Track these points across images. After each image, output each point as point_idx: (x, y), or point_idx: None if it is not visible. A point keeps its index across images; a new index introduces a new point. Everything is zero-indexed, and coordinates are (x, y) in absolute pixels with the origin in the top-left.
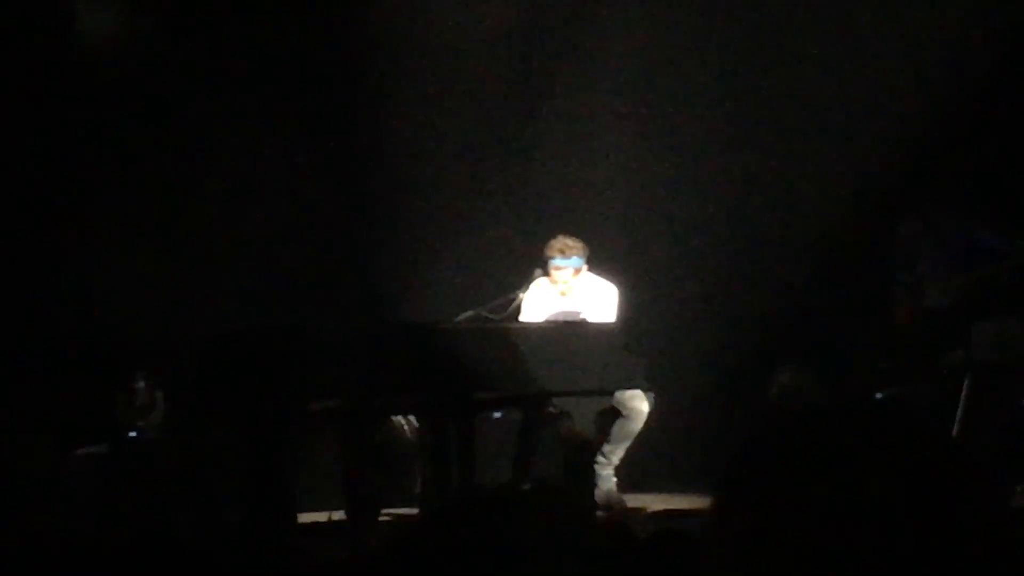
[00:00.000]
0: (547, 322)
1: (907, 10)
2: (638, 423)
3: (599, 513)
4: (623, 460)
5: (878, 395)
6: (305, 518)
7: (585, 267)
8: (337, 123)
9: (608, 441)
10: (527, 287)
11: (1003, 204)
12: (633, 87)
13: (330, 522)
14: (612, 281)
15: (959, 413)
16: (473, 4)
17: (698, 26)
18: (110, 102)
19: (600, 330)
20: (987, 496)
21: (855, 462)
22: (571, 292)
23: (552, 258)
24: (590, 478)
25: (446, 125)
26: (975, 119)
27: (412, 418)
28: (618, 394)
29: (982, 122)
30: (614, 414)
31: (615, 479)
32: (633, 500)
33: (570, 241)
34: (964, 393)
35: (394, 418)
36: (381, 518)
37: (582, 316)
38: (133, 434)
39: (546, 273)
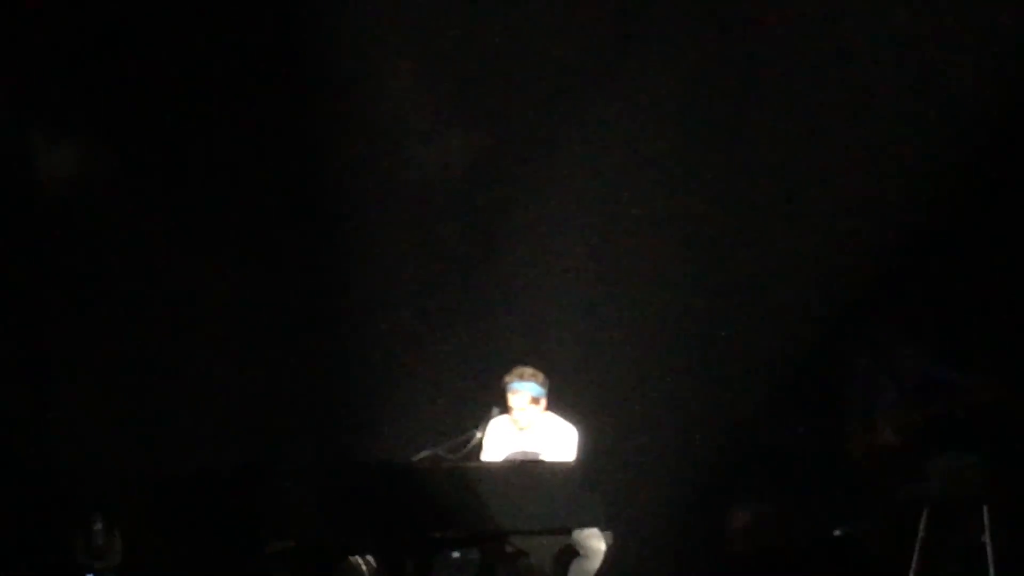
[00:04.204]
0: (505, 462)
1: (858, 145)
2: (595, 562)
3: None
4: None
5: (836, 532)
6: None
7: (544, 402)
8: (293, 260)
9: None
10: (484, 426)
11: (958, 340)
12: (590, 230)
13: None
14: (571, 421)
15: (917, 548)
16: (435, 140)
17: (658, 159)
18: (68, 241)
19: (558, 470)
20: None
21: None
22: (530, 428)
23: (509, 383)
24: None
25: (404, 265)
26: (932, 256)
27: (370, 557)
28: (576, 533)
29: (939, 259)
30: (572, 553)
31: None
32: None
33: (529, 370)
34: (922, 528)
35: (351, 558)
36: None
37: (541, 456)
38: (91, 575)
39: (503, 411)
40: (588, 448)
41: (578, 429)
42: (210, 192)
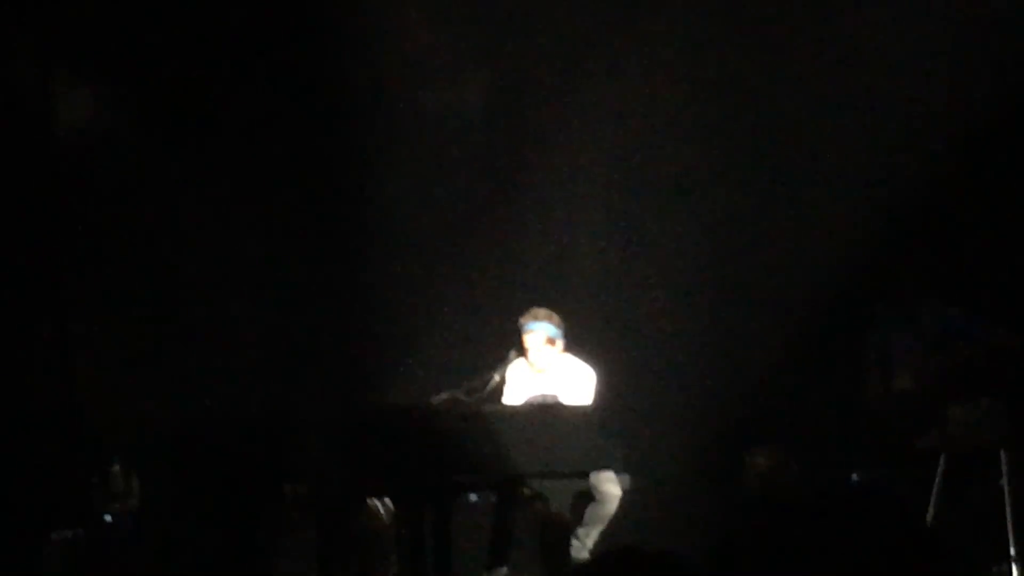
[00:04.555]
0: (523, 405)
1: (875, 102)
2: (611, 506)
3: None
4: (598, 543)
5: (853, 477)
6: None
7: (562, 343)
8: (312, 207)
9: (582, 524)
10: (501, 369)
11: (976, 287)
12: (613, 172)
13: None
14: (589, 363)
15: (934, 494)
16: (451, 86)
17: (677, 104)
18: (91, 191)
19: (575, 413)
20: None
21: (835, 552)
22: (548, 370)
23: (525, 324)
24: (566, 560)
25: (423, 207)
26: (948, 203)
27: (388, 501)
28: (592, 477)
29: (955, 207)
30: (588, 497)
31: None
32: None
33: (544, 310)
34: (939, 474)
35: (370, 501)
36: None
37: (559, 398)
38: (109, 518)
39: (521, 354)
40: (606, 391)
41: (596, 371)
42: (230, 136)
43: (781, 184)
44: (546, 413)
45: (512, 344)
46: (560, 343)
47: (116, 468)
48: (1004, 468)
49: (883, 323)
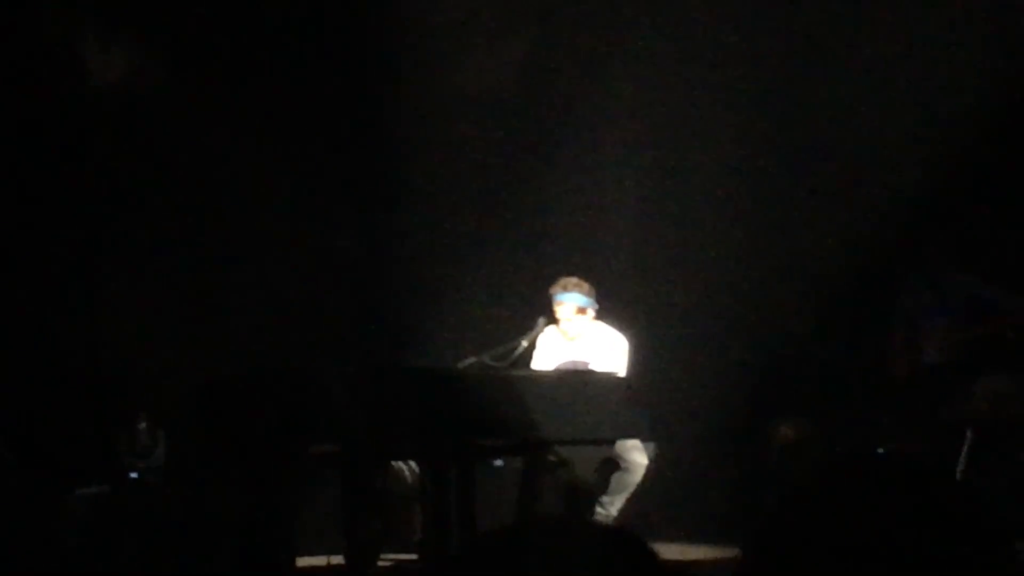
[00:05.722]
0: (551, 370)
1: (906, 71)
2: (636, 475)
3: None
4: (622, 511)
5: (879, 450)
6: (304, 562)
7: (593, 312)
8: (342, 169)
9: (608, 492)
10: (531, 335)
11: (1004, 260)
12: (643, 139)
13: (329, 567)
14: (622, 331)
15: (960, 468)
16: (484, 53)
17: (709, 75)
18: (120, 142)
19: (603, 380)
20: (998, 543)
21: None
22: (580, 338)
23: (555, 294)
24: None
25: (453, 173)
26: (978, 176)
27: (413, 464)
28: (618, 445)
29: (985, 179)
30: (614, 465)
31: None
32: None
33: (574, 280)
34: (965, 448)
35: (395, 463)
36: (380, 563)
37: (590, 365)
38: (134, 475)
39: (550, 321)
40: (637, 359)
41: (628, 339)
42: (262, 92)
43: (812, 153)
44: (574, 379)
45: (541, 311)
46: (591, 311)
47: (143, 425)
48: None
49: (911, 295)
